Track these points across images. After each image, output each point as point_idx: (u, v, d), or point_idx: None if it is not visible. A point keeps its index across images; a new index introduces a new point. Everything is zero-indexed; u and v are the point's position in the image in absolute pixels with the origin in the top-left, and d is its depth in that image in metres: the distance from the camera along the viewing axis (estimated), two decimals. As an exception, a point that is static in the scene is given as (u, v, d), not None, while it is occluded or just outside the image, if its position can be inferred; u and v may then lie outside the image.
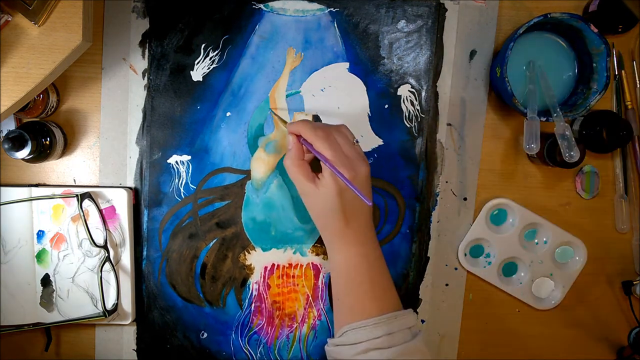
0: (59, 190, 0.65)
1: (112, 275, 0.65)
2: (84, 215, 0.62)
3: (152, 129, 0.66)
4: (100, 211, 0.64)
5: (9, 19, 0.52)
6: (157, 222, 0.68)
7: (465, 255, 0.70)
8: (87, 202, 0.63)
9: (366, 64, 0.67)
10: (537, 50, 0.65)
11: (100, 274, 0.64)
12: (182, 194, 0.67)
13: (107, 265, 0.64)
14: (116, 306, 0.65)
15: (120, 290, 0.66)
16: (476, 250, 0.71)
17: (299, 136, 0.59)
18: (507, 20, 0.67)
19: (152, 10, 0.65)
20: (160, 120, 0.66)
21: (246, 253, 0.69)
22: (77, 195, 0.62)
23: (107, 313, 0.64)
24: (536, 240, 0.71)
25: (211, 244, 0.68)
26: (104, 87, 0.66)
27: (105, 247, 0.64)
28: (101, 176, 0.67)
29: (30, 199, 0.64)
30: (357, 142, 0.60)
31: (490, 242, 0.70)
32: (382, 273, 0.60)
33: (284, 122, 0.64)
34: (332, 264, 0.61)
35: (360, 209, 0.59)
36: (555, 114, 0.60)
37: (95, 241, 0.63)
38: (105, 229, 0.65)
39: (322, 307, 0.70)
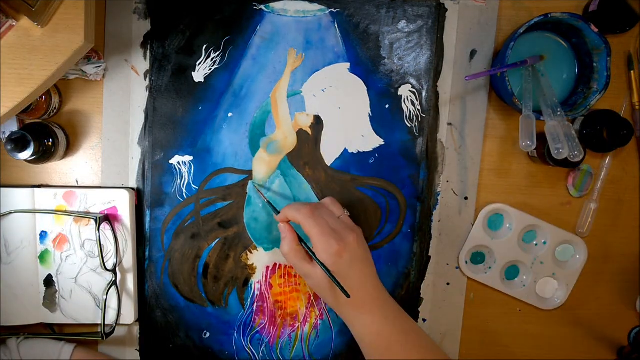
0: (61, 191, 0.65)
1: (115, 298, 0.66)
2: (99, 239, 0.63)
3: (154, 130, 0.66)
4: (115, 236, 0.65)
5: (14, 23, 0.52)
6: (159, 222, 0.68)
7: (467, 262, 0.70)
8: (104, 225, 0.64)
9: (367, 64, 0.67)
10: (537, 50, 0.65)
11: (105, 297, 0.64)
12: (184, 194, 0.67)
13: (113, 289, 0.65)
14: (114, 329, 0.66)
15: (120, 313, 0.66)
16: (477, 257, 0.71)
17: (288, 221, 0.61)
18: (507, 20, 0.68)
19: (153, 12, 0.65)
20: (162, 121, 0.66)
21: (248, 253, 0.69)
22: (95, 218, 0.62)
23: (105, 336, 0.65)
24: (535, 242, 0.71)
25: (213, 244, 0.69)
26: (105, 89, 0.66)
27: (114, 271, 0.65)
28: (103, 177, 0.67)
29: (48, 212, 0.64)
30: (346, 212, 0.61)
31: (489, 248, 0.70)
32: (409, 331, 0.59)
33: (275, 210, 0.63)
34: (355, 336, 0.60)
35: (364, 276, 0.58)
36: (557, 113, 0.61)
37: (106, 265, 0.64)
38: (117, 255, 0.65)
39: (323, 306, 0.70)
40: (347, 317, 0.59)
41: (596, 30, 0.60)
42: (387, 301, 0.60)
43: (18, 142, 0.60)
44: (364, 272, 0.58)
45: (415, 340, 0.58)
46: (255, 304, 0.70)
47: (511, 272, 0.72)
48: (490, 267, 0.71)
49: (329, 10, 0.66)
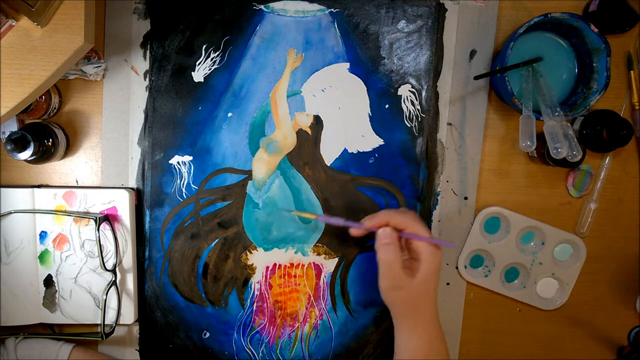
0: (61, 191, 0.65)
1: (115, 298, 0.66)
2: (99, 239, 0.63)
3: (154, 130, 0.67)
4: (115, 236, 0.65)
5: (13, 23, 0.52)
6: (159, 222, 0.68)
7: (466, 267, 0.70)
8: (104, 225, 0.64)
9: (366, 64, 0.67)
10: (537, 50, 0.65)
11: (105, 297, 0.64)
12: (184, 194, 0.67)
13: (112, 289, 0.65)
14: (114, 329, 0.66)
15: (120, 313, 0.66)
16: (475, 261, 0.71)
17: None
18: (507, 20, 0.68)
19: (153, 12, 0.65)
20: (161, 121, 0.66)
21: (248, 253, 0.69)
22: (95, 218, 0.62)
23: (104, 336, 0.65)
24: (533, 243, 0.71)
25: (213, 244, 0.69)
26: (105, 89, 0.66)
27: (114, 271, 0.65)
28: (103, 177, 0.67)
29: (48, 212, 0.64)
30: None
31: (488, 252, 0.70)
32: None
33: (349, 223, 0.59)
34: (409, 348, 0.57)
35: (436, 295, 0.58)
36: (556, 113, 0.61)
37: (106, 265, 0.64)
38: (117, 255, 0.65)
39: (323, 306, 0.70)
40: (406, 328, 0.58)
41: (596, 30, 0.60)
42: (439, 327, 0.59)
43: (18, 142, 0.60)
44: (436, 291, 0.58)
45: None
46: (255, 304, 0.70)
47: (511, 274, 0.72)
48: (490, 270, 0.71)
49: (329, 10, 0.66)
